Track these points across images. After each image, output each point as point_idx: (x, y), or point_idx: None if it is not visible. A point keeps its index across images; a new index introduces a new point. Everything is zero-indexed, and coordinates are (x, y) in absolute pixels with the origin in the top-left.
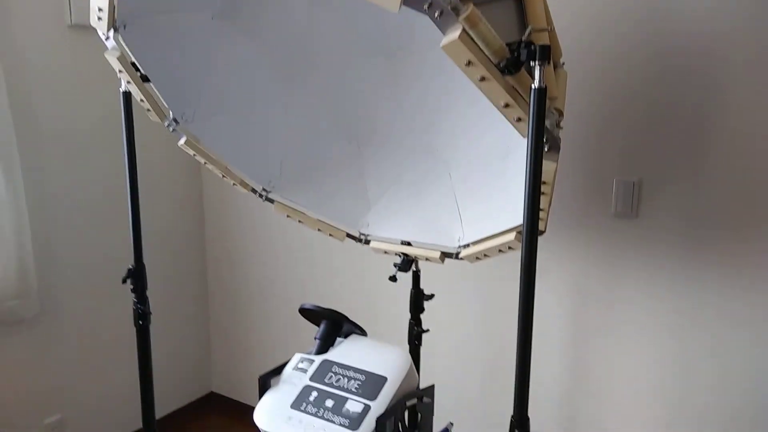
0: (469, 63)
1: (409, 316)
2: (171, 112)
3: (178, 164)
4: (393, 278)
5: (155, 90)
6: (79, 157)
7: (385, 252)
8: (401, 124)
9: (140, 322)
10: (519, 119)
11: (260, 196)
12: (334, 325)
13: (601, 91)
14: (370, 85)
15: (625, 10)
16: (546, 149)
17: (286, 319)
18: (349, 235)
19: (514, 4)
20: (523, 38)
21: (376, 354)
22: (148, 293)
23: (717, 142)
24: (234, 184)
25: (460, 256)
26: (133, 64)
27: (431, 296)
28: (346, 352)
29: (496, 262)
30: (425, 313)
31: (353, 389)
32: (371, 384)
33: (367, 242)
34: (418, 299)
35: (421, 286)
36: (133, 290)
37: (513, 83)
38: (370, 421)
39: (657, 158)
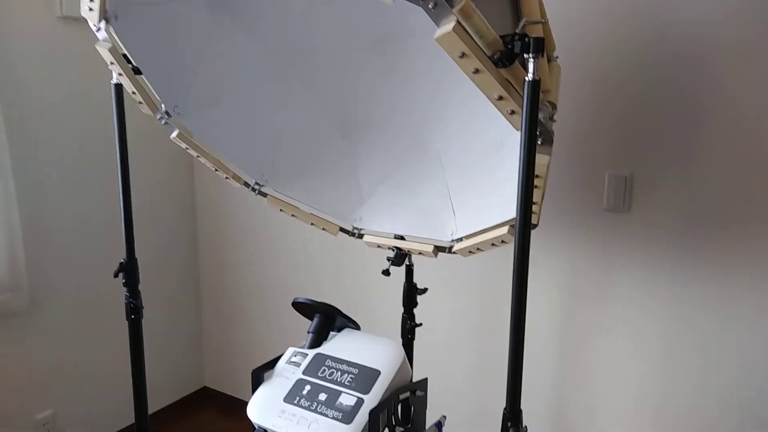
0: (463, 55)
1: (402, 310)
2: (163, 105)
3: (170, 157)
4: (386, 272)
5: (147, 82)
6: (69, 150)
7: (379, 246)
8: (395, 118)
9: (132, 317)
10: (512, 112)
11: (253, 189)
12: (327, 319)
13: (592, 84)
14: (365, 79)
15: (615, 0)
16: (539, 142)
17: (279, 314)
18: (342, 229)
19: None
20: (517, 30)
21: (369, 347)
22: (140, 287)
23: (710, 136)
24: (226, 177)
25: (454, 250)
26: (125, 56)
27: (424, 290)
28: (339, 345)
29: (489, 256)
30: (418, 307)
31: (346, 383)
32: (364, 377)
33: (361, 236)
34: (411, 293)
35: (414, 281)
36: (124, 284)
37: (507, 76)
38: (363, 415)
39: (649, 152)
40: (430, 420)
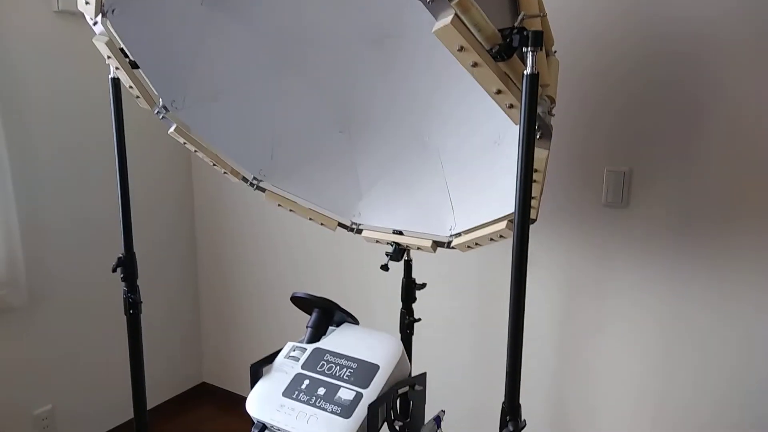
0: (461, 48)
1: (400, 305)
2: (161, 100)
3: (168, 152)
4: (385, 267)
5: (144, 76)
6: (67, 145)
7: (377, 241)
8: (393, 113)
9: (131, 311)
10: (511, 106)
11: (251, 184)
12: (325, 314)
13: (592, 80)
14: (364, 74)
15: None
16: (538, 136)
17: (278, 309)
18: (340, 225)
19: None
20: (516, 24)
21: (368, 342)
22: (138, 283)
23: (709, 132)
24: (225, 172)
25: (452, 245)
26: (122, 50)
27: (423, 285)
28: (338, 340)
29: (488, 251)
30: (417, 302)
31: (345, 377)
32: (363, 372)
33: (359, 231)
34: (409, 288)
35: (413, 276)
36: (123, 279)
37: (505, 69)
38: (362, 409)
39: (648, 148)
40: (429, 414)
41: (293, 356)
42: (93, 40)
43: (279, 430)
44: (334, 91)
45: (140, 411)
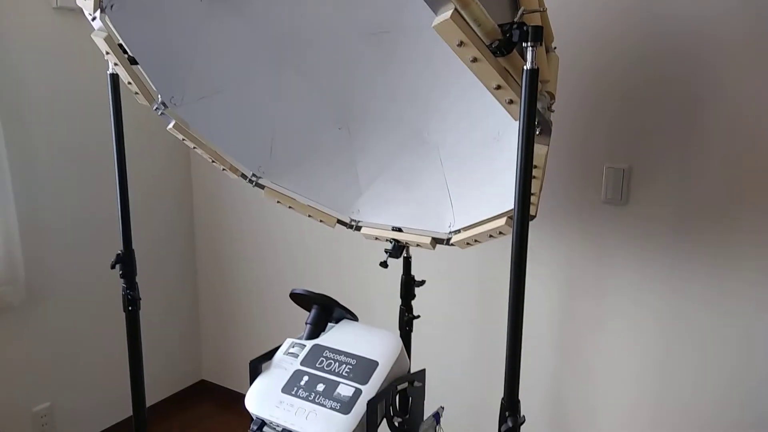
0: (461, 44)
1: (400, 302)
2: (159, 96)
3: (167, 149)
4: (384, 264)
5: (143, 72)
6: (66, 142)
7: (376, 238)
8: (393, 109)
9: (130, 308)
10: (510, 101)
11: (250, 181)
12: (325, 310)
13: (592, 77)
14: (362, 70)
15: None
16: (537, 132)
17: (277, 306)
18: (339, 222)
19: None
20: (516, 19)
21: (367, 338)
22: (137, 280)
23: (708, 130)
24: (223, 169)
25: (451, 241)
26: (121, 46)
27: (422, 282)
28: (337, 336)
29: (487, 248)
30: (416, 299)
31: (344, 373)
32: (362, 368)
33: (358, 228)
34: (408, 285)
35: (412, 273)
36: (122, 276)
37: (505, 65)
38: (361, 405)
39: (647, 145)
40: (428, 411)
41: (292, 353)
42: (91, 36)
43: (278, 426)
44: (333, 87)
45: (139, 408)
